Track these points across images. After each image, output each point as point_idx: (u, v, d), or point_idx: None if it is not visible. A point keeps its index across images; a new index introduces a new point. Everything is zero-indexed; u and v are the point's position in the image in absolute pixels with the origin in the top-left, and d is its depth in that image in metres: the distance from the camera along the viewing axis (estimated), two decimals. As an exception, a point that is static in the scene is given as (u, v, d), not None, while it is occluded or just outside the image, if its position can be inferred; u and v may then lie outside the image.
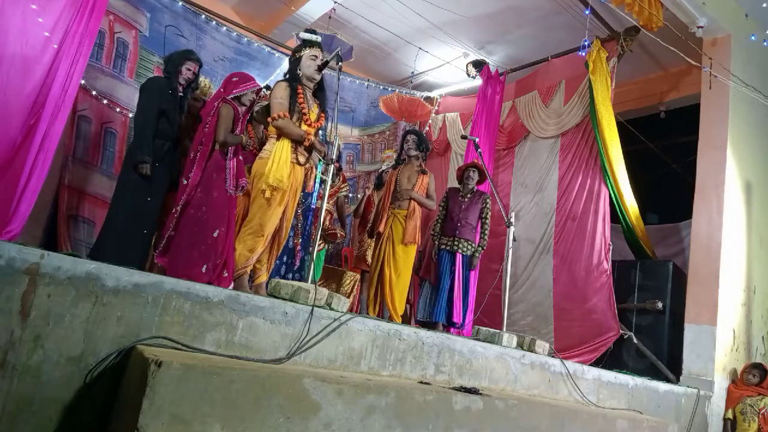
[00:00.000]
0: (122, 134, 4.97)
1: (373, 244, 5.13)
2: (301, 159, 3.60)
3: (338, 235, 4.94)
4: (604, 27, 5.73)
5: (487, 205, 5.08)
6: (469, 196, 5.05)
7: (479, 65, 6.63)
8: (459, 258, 4.88)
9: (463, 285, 4.89)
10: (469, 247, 4.95)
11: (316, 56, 3.70)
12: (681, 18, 5.32)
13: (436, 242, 4.99)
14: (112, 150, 4.91)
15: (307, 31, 3.91)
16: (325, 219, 4.71)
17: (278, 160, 3.47)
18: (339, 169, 5.04)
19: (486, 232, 5.04)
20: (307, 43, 3.76)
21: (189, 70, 4.09)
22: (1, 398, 1.71)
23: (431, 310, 4.83)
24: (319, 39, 3.80)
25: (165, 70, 4.14)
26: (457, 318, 4.80)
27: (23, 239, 3.73)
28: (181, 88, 4.08)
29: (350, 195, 5.98)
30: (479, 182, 5.11)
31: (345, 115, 6.99)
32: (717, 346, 4.87)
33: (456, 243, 4.91)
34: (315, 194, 4.27)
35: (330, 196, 4.79)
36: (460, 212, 4.95)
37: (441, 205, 5.14)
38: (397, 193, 4.91)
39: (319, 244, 4.64)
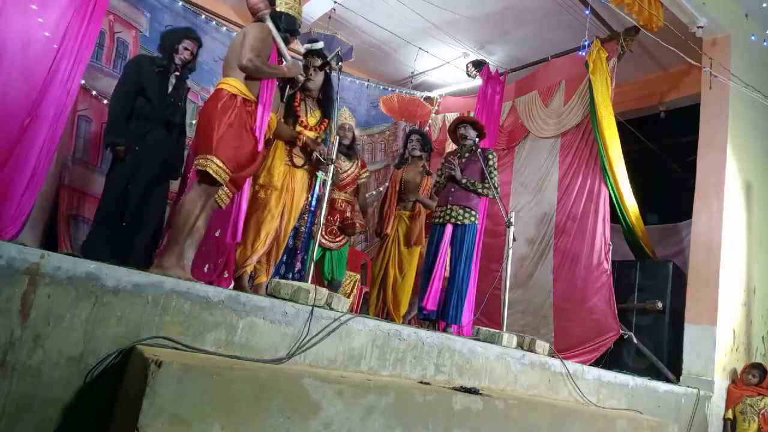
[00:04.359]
0: (122, 134, 4.96)
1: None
2: (297, 161, 3.60)
3: (357, 224, 4.58)
4: (604, 27, 5.73)
5: (491, 162, 4.27)
6: (467, 155, 4.39)
7: (479, 65, 6.63)
8: (448, 230, 4.23)
9: (452, 267, 4.23)
10: (467, 215, 4.23)
11: (307, 66, 3.71)
12: (681, 18, 5.32)
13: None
14: (113, 150, 4.90)
15: (311, 41, 3.89)
16: (345, 209, 4.56)
17: (270, 160, 3.50)
18: (355, 151, 4.74)
19: (491, 186, 4.19)
20: (307, 53, 3.76)
21: (186, 49, 3.93)
22: (0, 398, 1.71)
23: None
24: (318, 46, 3.77)
25: (160, 46, 4.00)
26: (427, 303, 4.13)
27: (23, 239, 3.73)
28: (177, 68, 3.89)
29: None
30: (479, 138, 4.47)
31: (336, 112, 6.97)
32: (717, 346, 4.87)
33: (448, 212, 4.26)
34: (315, 194, 4.25)
35: (348, 184, 4.56)
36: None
37: (437, 173, 4.62)
38: (401, 194, 4.89)
39: (341, 239, 4.53)
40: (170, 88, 3.96)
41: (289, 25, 3.18)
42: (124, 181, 3.73)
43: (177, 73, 3.97)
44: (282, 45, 3.14)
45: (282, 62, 3.22)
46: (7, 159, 3.62)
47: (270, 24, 3.09)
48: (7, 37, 3.64)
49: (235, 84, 2.92)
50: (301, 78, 3.32)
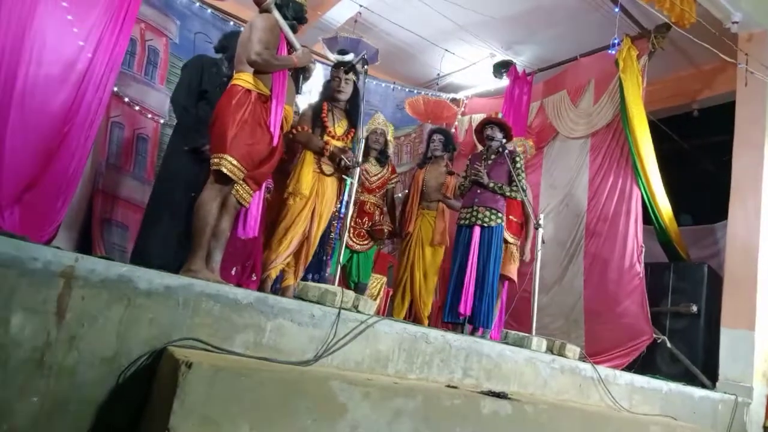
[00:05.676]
0: (154, 140, 5.08)
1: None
2: (327, 169, 3.65)
3: (385, 231, 4.55)
4: (635, 25, 5.62)
5: (518, 164, 4.27)
6: (493, 157, 4.36)
7: (506, 66, 6.57)
8: (477, 232, 4.20)
9: (480, 267, 4.15)
10: (493, 217, 4.20)
11: (338, 78, 3.76)
12: (714, 13, 5.18)
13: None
14: (144, 155, 5.02)
15: (341, 52, 3.91)
16: (374, 212, 4.58)
17: (299, 168, 3.60)
18: (386, 157, 4.70)
19: (519, 189, 4.17)
20: (335, 64, 3.84)
21: None
22: (39, 397, 1.75)
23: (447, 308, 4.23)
24: (348, 58, 3.79)
25: (221, 48, 3.90)
26: (463, 308, 4.08)
27: (58, 243, 3.83)
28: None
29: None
30: (506, 141, 4.44)
31: (370, 118, 7.01)
32: (756, 351, 4.72)
33: (474, 214, 4.23)
34: (344, 200, 4.27)
35: (378, 187, 4.59)
36: None
37: (462, 175, 4.58)
38: (424, 194, 4.87)
39: (367, 243, 4.54)
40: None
41: (296, 13, 3.07)
42: (184, 186, 3.56)
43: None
44: (290, 34, 3.05)
45: (291, 52, 3.13)
46: (47, 165, 3.74)
47: (276, 13, 2.98)
48: (44, 47, 3.76)
49: (248, 79, 2.89)
50: (313, 67, 3.28)
